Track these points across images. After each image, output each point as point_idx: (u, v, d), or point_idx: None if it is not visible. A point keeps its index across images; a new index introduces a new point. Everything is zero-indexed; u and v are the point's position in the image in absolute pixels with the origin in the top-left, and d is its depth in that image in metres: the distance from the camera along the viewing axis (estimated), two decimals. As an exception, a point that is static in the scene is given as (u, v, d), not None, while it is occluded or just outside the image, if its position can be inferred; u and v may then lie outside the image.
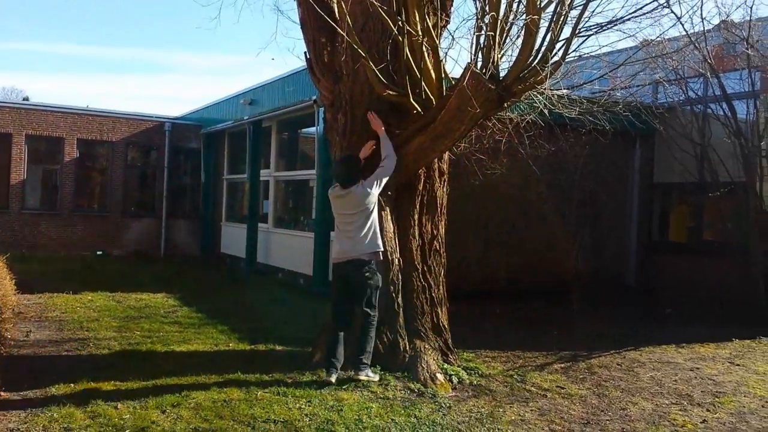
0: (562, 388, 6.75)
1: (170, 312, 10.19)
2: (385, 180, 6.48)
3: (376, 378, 6.35)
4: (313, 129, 13.95)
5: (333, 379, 6.23)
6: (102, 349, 7.61)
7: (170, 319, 9.61)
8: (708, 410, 6.25)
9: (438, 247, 7.35)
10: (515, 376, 7.08)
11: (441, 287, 7.31)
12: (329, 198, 6.68)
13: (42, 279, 13.03)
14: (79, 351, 7.52)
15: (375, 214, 6.39)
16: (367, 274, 6.32)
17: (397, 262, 6.84)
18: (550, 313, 11.19)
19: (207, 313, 10.10)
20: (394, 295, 6.80)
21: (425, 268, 7.18)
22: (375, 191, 6.38)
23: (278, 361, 7.17)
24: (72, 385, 6.03)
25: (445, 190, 7.50)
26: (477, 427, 5.45)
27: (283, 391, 5.99)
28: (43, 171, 19.28)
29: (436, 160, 7.22)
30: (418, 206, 7.19)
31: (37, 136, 18.52)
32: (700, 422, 5.88)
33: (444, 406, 5.92)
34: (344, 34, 6.49)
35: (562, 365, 7.75)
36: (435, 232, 7.33)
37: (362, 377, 6.25)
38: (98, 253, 18.70)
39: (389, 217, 6.88)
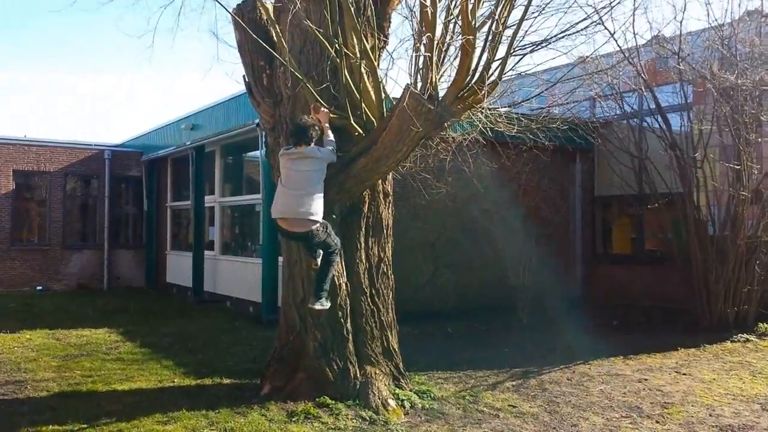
0: (514, 407, 6.74)
1: (113, 348, 9.84)
2: (330, 160, 6.26)
3: (327, 305, 6.27)
4: (257, 153, 13.79)
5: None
6: (40, 391, 7.28)
7: (113, 355, 9.27)
8: (657, 422, 6.30)
9: (385, 269, 7.28)
10: (468, 397, 7.04)
11: (390, 310, 7.24)
12: (280, 160, 6.34)
13: (-24, 319, 12.47)
14: (16, 394, 7.18)
15: (321, 185, 6.14)
16: (318, 237, 6.11)
17: (344, 287, 6.75)
18: (500, 330, 11.23)
19: (151, 348, 9.79)
20: (342, 320, 6.70)
21: (373, 292, 7.10)
22: (325, 158, 6.18)
23: (226, 395, 6.97)
24: (7, 432, 5.74)
25: (390, 211, 7.46)
26: (430, 452, 5.37)
27: (230, 427, 5.81)
28: (-22, 205, 18.57)
29: (380, 181, 7.17)
30: (363, 229, 7.11)
31: (-31, 169, 17.85)
32: (650, 434, 5.93)
33: (396, 432, 5.83)
34: (281, 59, 6.42)
35: (514, 383, 7.74)
36: (382, 254, 7.27)
37: (317, 306, 6.16)
38: (38, 288, 18.04)
39: (335, 241, 6.79)
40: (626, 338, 10.59)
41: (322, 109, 6.43)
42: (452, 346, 10.00)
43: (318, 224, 6.04)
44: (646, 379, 7.95)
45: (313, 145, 6.19)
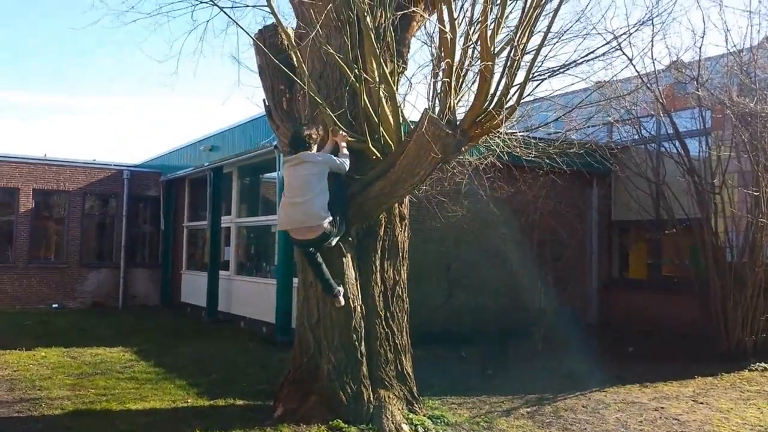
0: (530, 434, 6.67)
1: (127, 367, 9.86)
2: (333, 166, 6.34)
3: (340, 289, 6.48)
4: (274, 174, 13.88)
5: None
6: (55, 409, 7.30)
7: (127, 374, 9.29)
8: (675, 451, 6.21)
9: (400, 292, 7.27)
10: (482, 424, 6.98)
11: (404, 334, 7.22)
12: (283, 171, 6.50)
13: (-6, 335, 12.57)
14: (30, 412, 7.21)
15: (323, 186, 6.22)
16: (332, 234, 6.28)
17: (359, 309, 6.74)
18: (515, 354, 11.12)
19: (165, 367, 9.80)
20: (357, 343, 6.69)
21: (388, 315, 7.09)
22: (325, 161, 6.29)
23: (239, 416, 6.95)
24: (21, 450, 5.76)
25: (406, 234, 7.46)
26: (444, 479, 5.32)
27: (243, 448, 5.79)
28: (-2, 222, 18.82)
29: (396, 204, 7.19)
30: (379, 251, 7.12)
31: (-9, 187, 18.11)
32: (668, 464, 5.84)
33: (410, 457, 5.78)
34: (301, 83, 6.49)
35: (529, 409, 7.67)
36: (397, 277, 7.26)
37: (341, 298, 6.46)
38: (54, 306, 18.16)
39: (351, 264, 6.80)
40: (642, 365, 10.46)
41: (340, 132, 6.49)
42: (466, 370, 9.93)
43: (328, 224, 6.16)
44: (662, 408, 7.84)
45: (313, 150, 6.30)
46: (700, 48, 11.23)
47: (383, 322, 7.01)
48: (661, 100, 11.83)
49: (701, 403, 8.15)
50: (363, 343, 6.74)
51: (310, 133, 6.39)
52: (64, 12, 47.72)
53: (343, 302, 6.49)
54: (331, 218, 6.21)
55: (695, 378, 9.55)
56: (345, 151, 6.49)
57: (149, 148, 54.04)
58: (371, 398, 6.62)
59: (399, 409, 6.66)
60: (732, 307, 10.98)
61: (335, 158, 6.38)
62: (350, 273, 6.75)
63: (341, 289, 6.50)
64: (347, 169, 6.46)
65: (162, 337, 13.03)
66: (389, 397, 6.69)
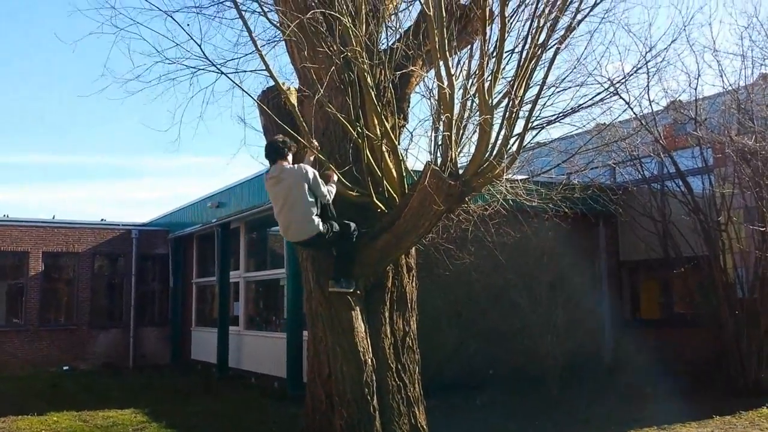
0: (548, 484, 6.57)
1: (139, 429, 9.79)
2: (316, 190, 6.25)
3: (351, 288, 6.49)
4: (280, 228, 13.97)
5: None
6: (67, 476, 7.25)
7: (139, 437, 9.25)
8: (697, 497, 6.11)
9: (411, 343, 7.24)
10: (499, 474, 6.89)
11: (417, 385, 7.16)
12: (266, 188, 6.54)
13: (5, 400, 12.52)
14: (42, 480, 7.16)
15: (307, 199, 6.19)
16: (330, 232, 6.30)
17: (370, 363, 6.70)
18: (531, 400, 11.01)
19: (177, 428, 9.73)
20: (369, 397, 6.63)
21: (399, 367, 7.04)
22: (304, 177, 6.17)
23: (253, 476, 6.89)
24: None
25: (414, 285, 7.47)
26: None
27: None
28: (8, 286, 18.91)
29: (403, 256, 7.23)
30: (388, 303, 7.11)
31: (1, 252, 18.24)
32: None
33: None
34: (304, 142, 6.62)
35: (546, 458, 7.57)
36: (407, 328, 7.24)
37: (334, 288, 6.47)
38: (65, 368, 18.09)
39: (360, 317, 6.79)
40: (660, 406, 10.31)
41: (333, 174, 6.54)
42: (483, 418, 9.82)
43: (321, 227, 6.23)
44: (682, 452, 7.73)
45: (288, 162, 6.33)
46: (695, 89, 11.43)
47: (395, 375, 6.96)
48: (661, 141, 11.95)
49: (721, 444, 8.03)
50: (375, 397, 6.68)
51: (285, 139, 6.41)
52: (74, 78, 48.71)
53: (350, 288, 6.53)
54: (323, 225, 6.25)
55: (713, 417, 9.42)
56: (335, 177, 6.53)
57: (157, 208, 54.52)
58: (386, 453, 6.54)
59: (414, 464, 6.58)
60: (746, 344, 10.89)
61: (321, 185, 6.27)
62: (359, 326, 6.73)
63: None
64: (330, 199, 6.40)
65: (173, 397, 12.95)
66: (404, 452, 6.62)
